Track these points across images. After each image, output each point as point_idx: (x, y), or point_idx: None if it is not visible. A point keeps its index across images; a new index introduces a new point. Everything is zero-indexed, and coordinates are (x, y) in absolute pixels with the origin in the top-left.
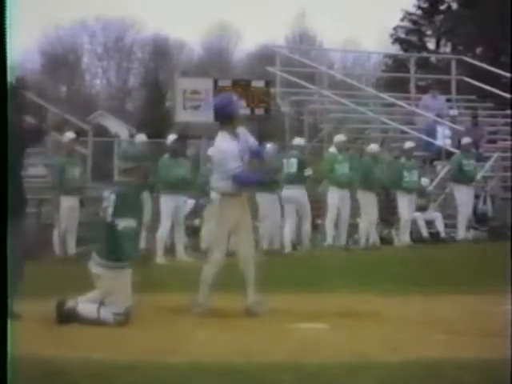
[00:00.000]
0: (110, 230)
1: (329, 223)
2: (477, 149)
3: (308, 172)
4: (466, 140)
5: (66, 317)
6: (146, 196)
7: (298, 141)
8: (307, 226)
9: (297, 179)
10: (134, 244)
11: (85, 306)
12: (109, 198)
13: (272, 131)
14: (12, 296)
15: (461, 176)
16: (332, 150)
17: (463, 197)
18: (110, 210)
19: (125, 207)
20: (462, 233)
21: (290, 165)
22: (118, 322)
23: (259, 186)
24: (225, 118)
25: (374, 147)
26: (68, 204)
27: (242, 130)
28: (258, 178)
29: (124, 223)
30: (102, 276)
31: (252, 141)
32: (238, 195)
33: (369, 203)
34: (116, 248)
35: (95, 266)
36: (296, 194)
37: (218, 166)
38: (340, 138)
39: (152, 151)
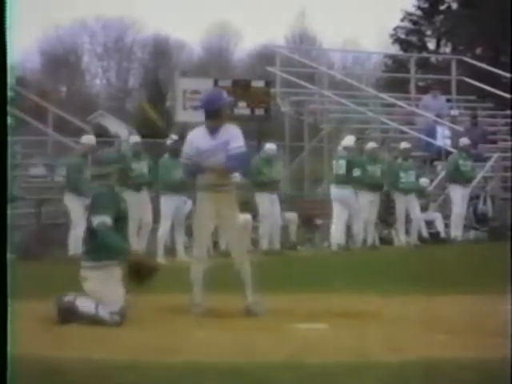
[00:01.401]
0: (90, 231)
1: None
2: (476, 149)
3: (356, 172)
4: (464, 141)
5: (66, 310)
6: (145, 196)
7: (348, 141)
8: (357, 227)
9: (345, 180)
10: (114, 239)
11: (83, 301)
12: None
13: (272, 131)
14: None
15: (457, 176)
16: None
17: (458, 197)
18: (87, 213)
19: (98, 205)
20: (454, 233)
21: (339, 166)
22: (114, 321)
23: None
24: (210, 113)
25: (370, 145)
26: (80, 204)
27: (229, 130)
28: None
29: (98, 220)
30: (88, 278)
31: (237, 145)
32: (215, 192)
33: (365, 203)
34: (96, 246)
35: (83, 270)
36: (344, 194)
37: None
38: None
39: (151, 151)
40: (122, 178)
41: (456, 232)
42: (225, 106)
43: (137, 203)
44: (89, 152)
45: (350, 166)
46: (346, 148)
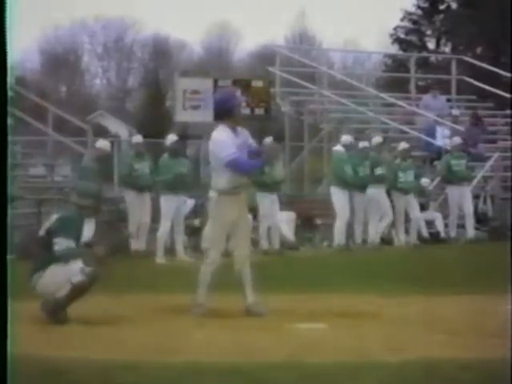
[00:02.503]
0: (46, 247)
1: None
2: (476, 149)
3: (379, 171)
4: (456, 140)
5: (54, 310)
6: (146, 196)
7: (377, 139)
8: (382, 225)
9: (371, 180)
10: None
11: (60, 290)
12: (51, 218)
13: (272, 131)
14: None
15: (451, 176)
16: (338, 148)
17: (454, 197)
18: (47, 227)
19: (65, 229)
20: (453, 233)
21: (365, 168)
22: (88, 275)
23: (253, 171)
24: (225, 112)
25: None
26: None
27: (242, 130)
28: (253, 164)
29: (64, 244)
30: (39, 287)
31: (251, 142)
32: (235, 194)
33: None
34: (46, 256)
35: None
36: (373, 193)
37: (214, 159)
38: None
39: (151, 151)
40: (94, 211)
41: (454, 232)
42: (238, 105)
43: (137, 203)
44: (101, 157)
45: (373, 167)
46: (373, 147)
